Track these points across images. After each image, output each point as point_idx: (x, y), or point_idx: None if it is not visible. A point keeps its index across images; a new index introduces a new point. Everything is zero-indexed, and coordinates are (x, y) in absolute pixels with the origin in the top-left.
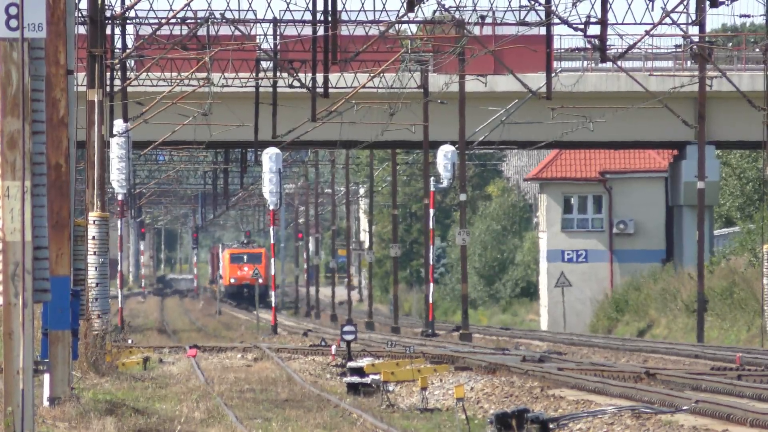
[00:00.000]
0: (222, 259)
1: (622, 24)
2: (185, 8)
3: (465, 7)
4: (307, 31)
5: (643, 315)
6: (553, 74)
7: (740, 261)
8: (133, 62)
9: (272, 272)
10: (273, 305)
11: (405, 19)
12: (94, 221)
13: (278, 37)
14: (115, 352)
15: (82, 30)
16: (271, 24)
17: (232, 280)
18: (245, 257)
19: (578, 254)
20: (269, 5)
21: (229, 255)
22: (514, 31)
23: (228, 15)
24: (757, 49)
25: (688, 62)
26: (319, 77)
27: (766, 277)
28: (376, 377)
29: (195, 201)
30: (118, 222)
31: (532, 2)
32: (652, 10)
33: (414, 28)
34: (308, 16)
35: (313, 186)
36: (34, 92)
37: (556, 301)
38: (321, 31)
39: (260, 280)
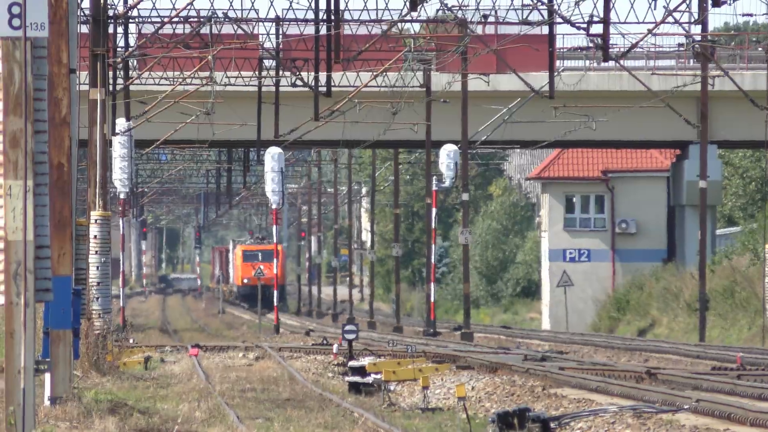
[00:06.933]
0: (234, 256)
1: (625, 23)
2: (188, 7)
3: (468, 6)
4: (310, 30)
5: (645, 314)
6: (555, 73)
7: (742, 260)
8: (135, 61)
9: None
10: (275, 304)
11: (408, 18)
12: (96, 220)
13: (281, 36)
14: (116, 352)
15: (84, 29)
16: (274, 23)
17: (246, 281)
18: (260, 255)
19: (580, 253)
20: (272, 4)
21: (242, 252)
22: (517, 30)
23: (231, 14)
24: (760, 48)
25: (691, 61)
26: (322, 76)
27: (767, 277)
28: (378, 376)
29: (197, 200)
30: (120, 221)
31: (535, 1)
32: (655, 9)
33: (417, 27)
34: (311, 15)
35: (315, 185)
36: (36, 91)
37: (558, 301)
38: (324, 30)
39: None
